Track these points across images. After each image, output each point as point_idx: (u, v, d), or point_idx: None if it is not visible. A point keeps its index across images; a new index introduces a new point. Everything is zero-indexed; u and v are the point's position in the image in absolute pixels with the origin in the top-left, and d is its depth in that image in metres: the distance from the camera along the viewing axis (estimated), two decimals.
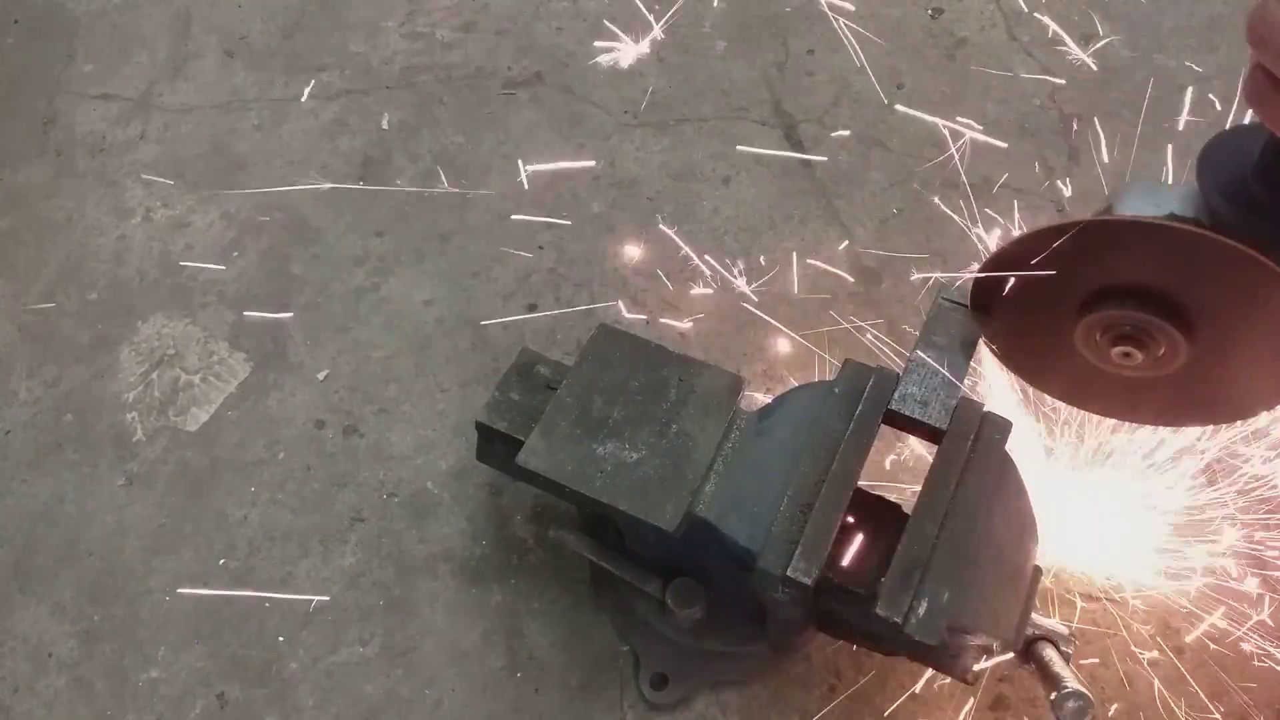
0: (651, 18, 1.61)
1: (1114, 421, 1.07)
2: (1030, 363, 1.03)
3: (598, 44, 1.53)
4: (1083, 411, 1.08)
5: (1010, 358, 1.03)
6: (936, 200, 1.39)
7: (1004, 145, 1.39)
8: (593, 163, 1.45)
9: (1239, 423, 1.05)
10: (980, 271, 0.94)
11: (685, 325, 1.32)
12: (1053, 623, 0.96)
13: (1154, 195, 0.83)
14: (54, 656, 1.12)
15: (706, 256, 1.36)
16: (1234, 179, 0.79)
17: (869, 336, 1.32)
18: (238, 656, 1.12)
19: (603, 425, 1.02)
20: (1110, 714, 1.05)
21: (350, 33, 1.66)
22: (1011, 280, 0.92)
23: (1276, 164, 0.76)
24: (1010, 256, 0.90)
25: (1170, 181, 0.89)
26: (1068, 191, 1.40)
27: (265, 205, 1.47)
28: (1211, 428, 1.09)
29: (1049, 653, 0.93)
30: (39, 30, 1.68)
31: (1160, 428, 1.08)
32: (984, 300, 0.98)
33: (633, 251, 1.39)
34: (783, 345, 1.31)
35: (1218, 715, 1.04)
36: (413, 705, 1.09)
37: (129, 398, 1.30)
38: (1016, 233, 0.89)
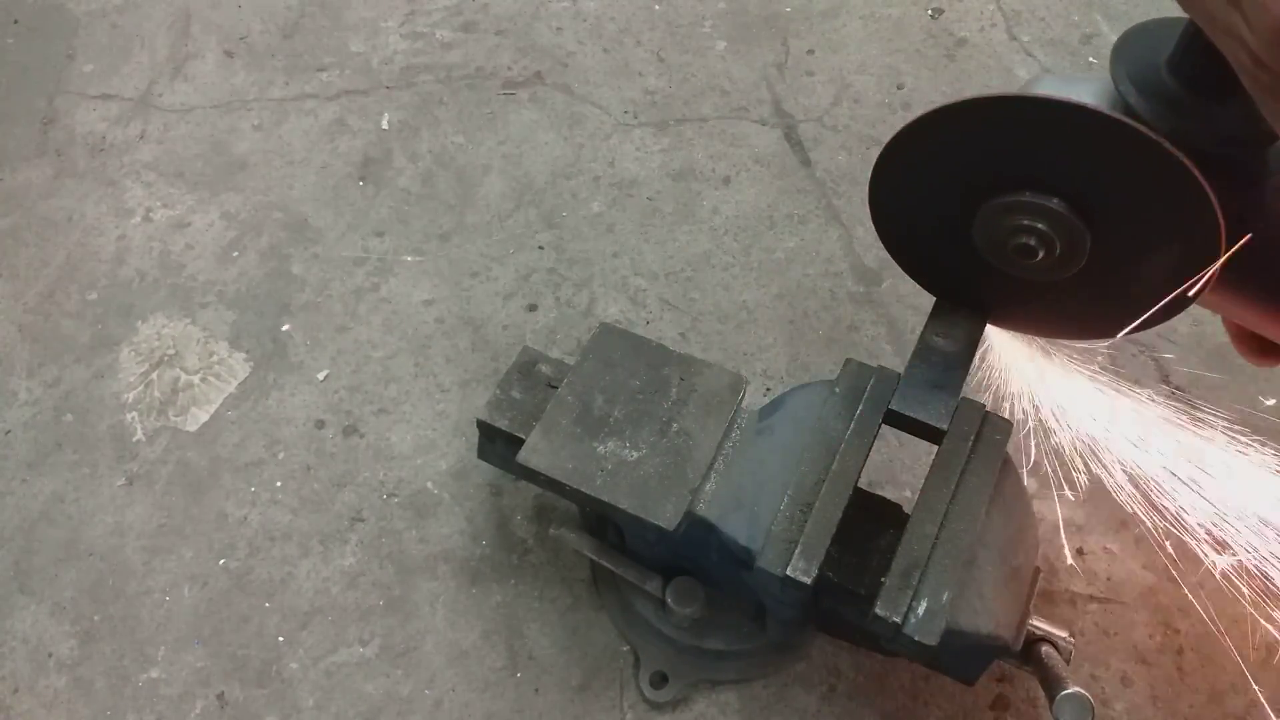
0: (651, 17, 1.61)
1: None
2: (925, 266, 0.98)
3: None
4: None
5: (904, 258, 0.98)
6: None
7: None
8: None
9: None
10: (877, 163, 0.89)
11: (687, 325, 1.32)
12: (1053, 624, 0.96)
13: (1068, 84, 0.79)
14: (54, 656, 1.12)
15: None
16: (1147, 69, 0.76)
17: (869, 336, 1.32)
18: (238, 656, 1.12)
19: (604, 424, 1.02)
20: (1110, 715, 1.05)
21: (350, 33, 1.66)
22: (914, 167, 0.87)
23: (1190, 55, 0.73)
24: (909, 140, 0.85)
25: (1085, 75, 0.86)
26: None
27: (265, 205, 1.47)
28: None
29: (1049, 654, 0.93)
30: (39, 30, 1.68)
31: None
32: (880, 197, 0.93)
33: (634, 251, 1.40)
34: (783, 345, 1.31)
35: (1218, 716, 1.04)
36: (413, 705, 1.09)
37: (129, 398, 1.30)
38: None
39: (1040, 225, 0.84)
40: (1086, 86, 0.79)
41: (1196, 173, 0.74)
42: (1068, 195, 0.82)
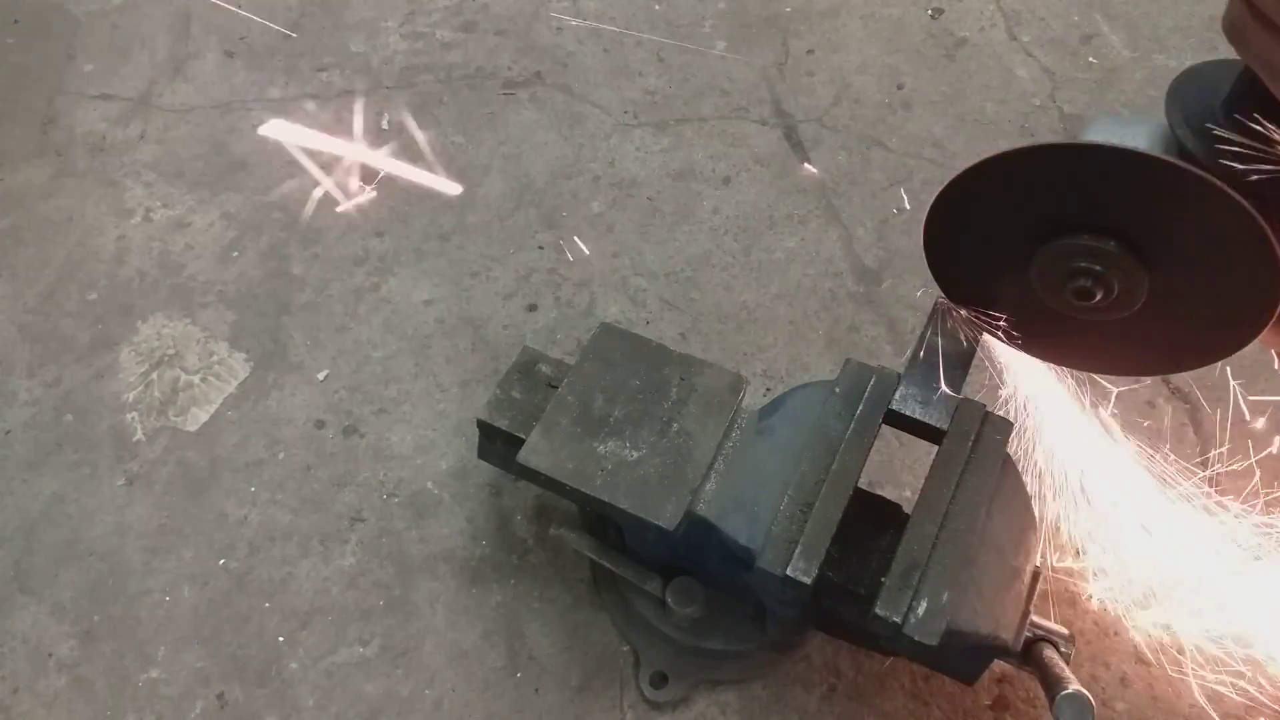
0: (652, 17, 1.61)
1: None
2: (986, 309, 0.98)
3: None
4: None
5: (964, 302, 0.98)
6: None
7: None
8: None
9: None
10: (933, 206, 0.89)
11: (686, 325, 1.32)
12: (1053, 624, 0.96)
13: (1122, 128, 0.80)
14: (54, 656, 1.12)
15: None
16: (1202, 113, 0.76)
17: (869, 336, 1.32)
18: (238, 656, 1.12)
19: (604, 424, 1.02)
20: (1110, 715, 1.05)
21: (350, 33, 1.66)
22: (971, 210, 0.87)
23: (1246, 98, 0.73)
24: (965, 187, 0.86)
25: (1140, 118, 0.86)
26: None
27: (265, 205, 1.47)
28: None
29: (1049, 654, 0.93)
30: (39, 30, 1.68)
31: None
32: (936, 240, 0.93)
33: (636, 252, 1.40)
34: (783, 345, 1.31)
35: (1217, 716, 1.04)
36: (413, 705, 1.09)
37: (129, 398, 1.30)
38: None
39: (1098, 267, 0.84)
40: (1142, 129, 0.80)
41: (1255, 214, 0.74)
42: (1126, 238, 0.82)
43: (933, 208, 0.90)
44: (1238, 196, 0.74)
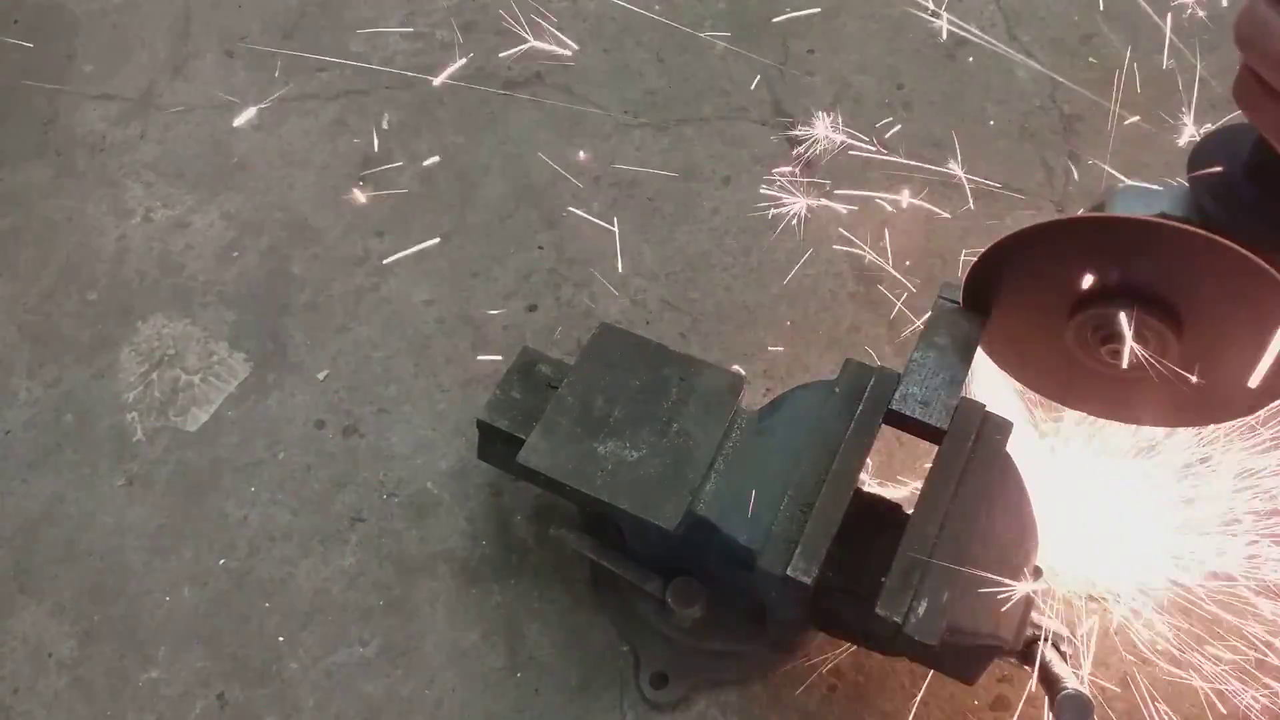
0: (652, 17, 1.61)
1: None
2: (1022, 360, 1.03)
3: None
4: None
5: (1001, 356, 1.03)
6: (937, 200, 1.39)
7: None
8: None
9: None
10: (974, 269, 0.94)
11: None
12: (1053, 624, 0.96)
13: (1145, 196, 0.84)
14: (54, 656, 1.12)
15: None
16: (1224, 178, 0.79)
17: (869, 336, 1.32)
18: (238, 656, 1.12)
19: (604, 424, 1.02)
20: (1111, 715, 1.05)
21: (350, 33, 1.66)
22: (1004, 278, 0.92)
23: (1264, 163, 0.75)
24: (1003, 253, 0.90)
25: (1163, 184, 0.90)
26: (1068, 191, 1.40)
27: (265, 205, 1.47)
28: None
29: (1049, 653, 0.93)
30: (39, 30, 1.68)
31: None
32: (976, 298, 0.98)
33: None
34: (783, 345, 1.31)
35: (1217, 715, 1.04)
36: (413, 705, 1.09)
37: (129, 398, 1.30)
38: (1010, 230, 0.90)
39: (1129, 331, 0.87)
40: (1165, 195, 0.83)
41: (1275, 274, 0.77)
42: (1156, 302, 0.86)
43: (971, 274, 0.95)
44: (1260, 260, 0.77)
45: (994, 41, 1.61)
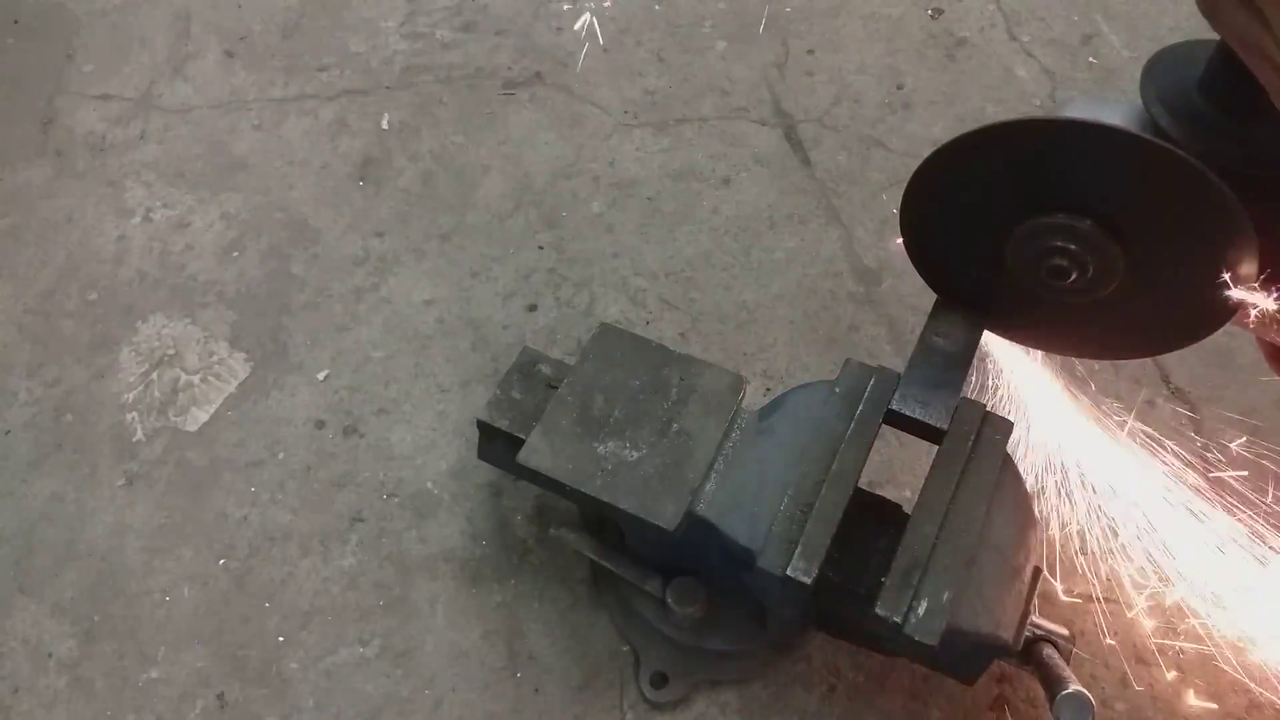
0: (653, 18, 1.61)
1: None
2: (960, 287, 0.98)
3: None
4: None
5: (939, 281, 0.98)
6: None
7: None
8: None
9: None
10: (907, 189, 0.89)
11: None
12: (1053, 624, 0.96)
13: (1095, 107, 0.80)
14: (54, 656, 1.12)
15: None
16: (1177, 91, 0.76)
17: (869, 336, 1.32)
18: (237, 656, 1.12)
19: (604, 424, 1.02)
20: (1111, 715, 1.05)
21: (350, 33, 1.66)
22: (941, 198, 0.87)
23: (1221, 76, 0.73)
24: (938, 165, 0.86)
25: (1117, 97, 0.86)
26: None
27: (265, 205, 1.47)
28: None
29: (1049, 653, 0.93)
30: (39, 30, 1.68)
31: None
32: (912, 220, 0.93)
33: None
34: (783, 345, 1.31)
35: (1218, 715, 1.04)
36: (413, 705, 1.09)
37: (129, 398, 1.30)
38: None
39: (1073, 246, 0.83)
40: (1116, 108, 0.79)
41: (1228, 191, 0.74)
42: (1100, 216, 0.81)
43: (908, 188, 0.90)
44: (1210, 173, 0.73)
45: (994, 41, 1.61)
